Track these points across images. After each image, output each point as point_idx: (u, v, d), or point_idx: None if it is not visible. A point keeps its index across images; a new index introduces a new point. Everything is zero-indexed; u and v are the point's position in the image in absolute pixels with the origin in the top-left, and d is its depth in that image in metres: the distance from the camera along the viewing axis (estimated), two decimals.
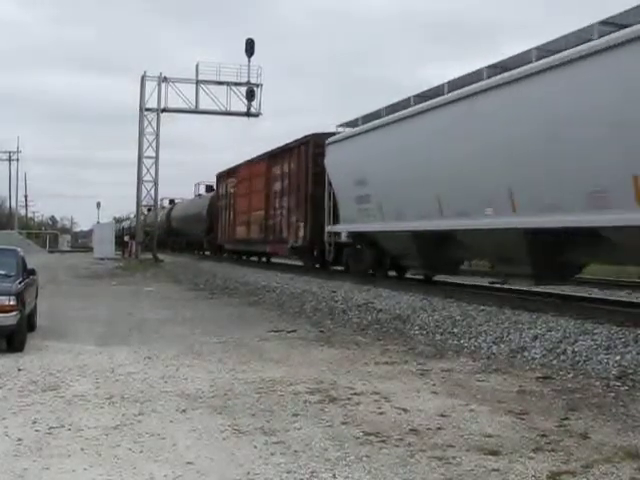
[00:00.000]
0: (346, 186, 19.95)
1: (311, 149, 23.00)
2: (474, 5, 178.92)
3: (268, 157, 28.37)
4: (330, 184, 21.13)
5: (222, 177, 37.54)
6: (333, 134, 21.60)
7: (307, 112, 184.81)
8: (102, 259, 42.21)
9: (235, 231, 33.37)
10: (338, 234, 20.93)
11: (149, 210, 66.02)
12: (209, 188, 45.14)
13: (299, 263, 27.32)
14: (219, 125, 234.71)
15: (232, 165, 36.17)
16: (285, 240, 25.24)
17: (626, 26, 10.29)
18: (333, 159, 21.17)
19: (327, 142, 21.53)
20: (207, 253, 46.00)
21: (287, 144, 25.77)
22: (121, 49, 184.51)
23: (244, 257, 36.10)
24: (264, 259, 33.64)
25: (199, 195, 49.38)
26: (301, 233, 23.52)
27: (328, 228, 21.29)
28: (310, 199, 22.83)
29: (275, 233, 26.76)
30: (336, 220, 20.94)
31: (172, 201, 63.15)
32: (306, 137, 23.85)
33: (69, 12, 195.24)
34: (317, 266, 24.32)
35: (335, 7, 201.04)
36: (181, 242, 53.72)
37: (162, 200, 64.32)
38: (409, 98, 16.87)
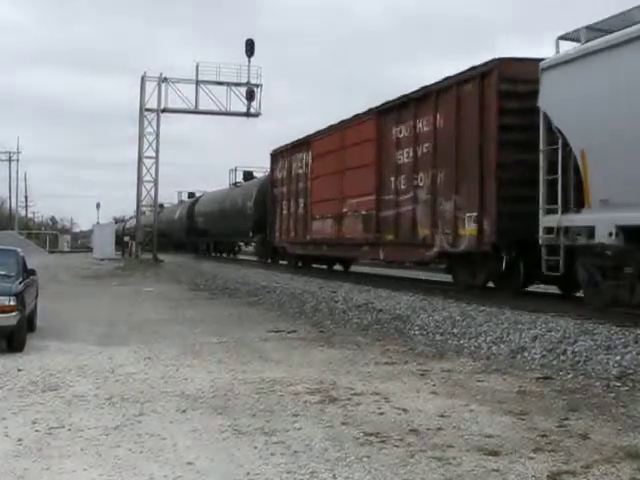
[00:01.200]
0: (617, 138, 10.78)
1: (494, 85, 13.76)
2: (471, 4, 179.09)
3: (379, 113, 18.26)
4: (556, 141, 12.10)
5: (281, 155, 26.93)
6: (534, 60, 12.91)
7: (307, 112, 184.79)
8: (102, 259, 42.23)
9: (309, 228, 23.15)
10: (584, 230, 11.54)
11: (161, 206, 62.66)
12: (248, 175, 37.50)
13: (431, 276, 20.37)
14: (218, 125, 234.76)
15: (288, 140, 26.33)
16: (425, 242, 15.83)
17: None
18: (570, 94, 11.83)
19: (544, 66, 12.44)
20: (240, 258, 39.56)
21: (426, 87, 16.05)
22: (121, 49, 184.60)
23: (319, 265, 25.98)
24: (334, 265, 25.89)
25: (236, 184, 38.39)
26: (468, 230, 14.44)
27: (548, 220, 12.26)
28: (495, 171, 13.71)
29: (400, 230, 17.08)
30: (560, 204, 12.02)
31: (192, 194, 53.77)
32: (477, 67, 14.41)
33: (68, 12, 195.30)
34: (490, 286, 15.42)
35: (334, 6, 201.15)
36: (208, 244, 44.84)
37: (181, 193, 57.10)
38: None
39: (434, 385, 8.23)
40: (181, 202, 54.54)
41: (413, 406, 7.16)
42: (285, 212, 25.90)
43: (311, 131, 23.89)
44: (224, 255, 43.52)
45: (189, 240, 47.15)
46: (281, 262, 28.98)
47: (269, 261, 30.37)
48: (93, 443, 5.83)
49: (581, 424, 6.50)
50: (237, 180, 39.12)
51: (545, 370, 9.00)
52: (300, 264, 26.51)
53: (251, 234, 31.92)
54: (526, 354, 9.76)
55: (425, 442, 5.92)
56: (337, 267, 26.38)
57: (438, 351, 10.68)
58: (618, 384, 8.00)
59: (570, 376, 8.58)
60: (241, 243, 42.69)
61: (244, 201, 32.95)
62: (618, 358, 8.67)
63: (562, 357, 9.27)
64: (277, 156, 27.74)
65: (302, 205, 24.11)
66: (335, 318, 14.52)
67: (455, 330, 11.59)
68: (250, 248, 43.82)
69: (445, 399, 7.51)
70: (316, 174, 22.90)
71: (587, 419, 6.69)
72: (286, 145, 26.39)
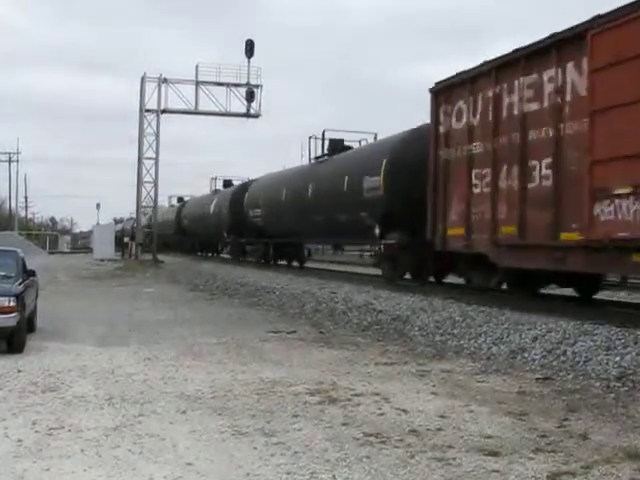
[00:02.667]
0: None
1: None
2: (468, 5, 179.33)
3: None
4: None
5: (468, 85, 14.63)
6: None
7: (306, 112, 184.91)
8: (102, 260, 42.25)
9: (583, 217, 11.07)
10: None
11: (180, 200, 54.83)
12: (336, 145, 24.27)
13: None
14: (217, 126, 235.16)
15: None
16: None
17: None
18: None
19: None
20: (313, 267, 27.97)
21: None
22: (121, 49, 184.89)
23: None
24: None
25: (320, 159, 24.94)
26: None
27: None
28: None
29: None
30: None
31: (229, 182, 42.81)
32: None
33: (68, 12, 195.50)
34: None
35: (333, 7, 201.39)
36: (266, 246, 30.73)
37: (215, 180, 45.43)
38: None
39: (434, 386, 8.23)
40: (216, 192, 42.38)
41: (413, 407, 7.16)
42: (482, 189, 13.92)
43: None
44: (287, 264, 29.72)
45: (233, 241, 35.34)
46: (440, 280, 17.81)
47: (405, 277, 18.41)
48: (93, 444, 5.82)
49: (581, 425, 6.50)
50: (320, 153, 25.25)
51: (545, 371, 9.00)
52: (496, 284, 15.06)
53: (378, 232, 18.32)
54: (526, 355, 9.77)
55: (425, 443, 5.92)
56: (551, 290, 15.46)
57: (438, 352, 10.68)
58: (618, 385, 8.01)
59: (570, 377, 8.58)
60: (315, 247, 32.20)
61: (357, 176, 19.64)
62: (618, 359, 8.67)
63: (562, 358, 9.27)
64: (451, 91, 15.23)
65: (542, 172, 12.37)
66: (335, 319, 14.52)
67: (455, 331, 11.59)
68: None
69: (445, 400, 7.51)
70: (610, 102, 10.79)
71: (587, 420, 6.69)
72: (482, 65, 14.00)
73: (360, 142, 23.63)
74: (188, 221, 46.59)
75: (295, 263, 29.53)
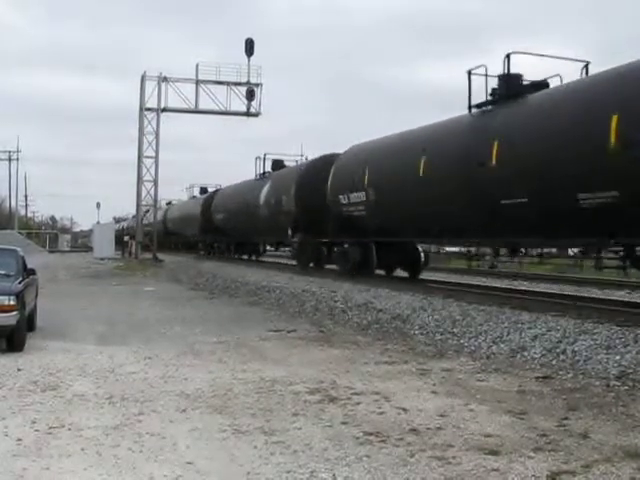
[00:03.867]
0: None
1: None
2: (468, 5, 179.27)
3: None
4: None
5: None
6: None
7: (306, 112, 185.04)
8: (102, 259, 42.26)
9: None
10: None
11: (204, 191, 46.47)
12: (513, 83, 14.64)
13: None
14: (217, 125, 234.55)
15: None
16: None
17: None
18: None
19: None
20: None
21: None
22: (121, 49, 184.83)
23: None
24: None
25: (489, 102, 15.23)
26: None
27: None
28: None
29: None
30: None
31: (280, 164, 30.48)
32: None
33: (67, 12, 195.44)
34: None
35: (333, 7, 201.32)
36: (365, 251, 20.29)
37: (262, 159, 31.56)
38: None
39: (434, 384, 8.23)
40: (264, 175, 30.66)
41: (413, 405, 7.16)
42: None
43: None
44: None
45: (303, 241, 24.79)
46: None
47: None
48: (93, 443, 5.82)
49: (581, 423, 6.50)
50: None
51: (545, 369, 9.00)
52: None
53: None
54: (526, 353, 9.77)
55: (425, 441, 5.92)
56: None
57: (438, 350, 10.68)
58: (618, 383, 8.00)
59: (570, 375, 8.58)
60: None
61: None
62: (618, 357, 8.67)
63: (562, 356, 9.27)
64: None
65: None
66: (335, 318, 14.52)
67: (455, 329, 11.59)
68: None
69: (445, 398, 7.51)
70: None
71: (587, 418, 6.69)
72: None
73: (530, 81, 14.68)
74: (224, 215, 34.97)
75: (400, 272, 21.14)
